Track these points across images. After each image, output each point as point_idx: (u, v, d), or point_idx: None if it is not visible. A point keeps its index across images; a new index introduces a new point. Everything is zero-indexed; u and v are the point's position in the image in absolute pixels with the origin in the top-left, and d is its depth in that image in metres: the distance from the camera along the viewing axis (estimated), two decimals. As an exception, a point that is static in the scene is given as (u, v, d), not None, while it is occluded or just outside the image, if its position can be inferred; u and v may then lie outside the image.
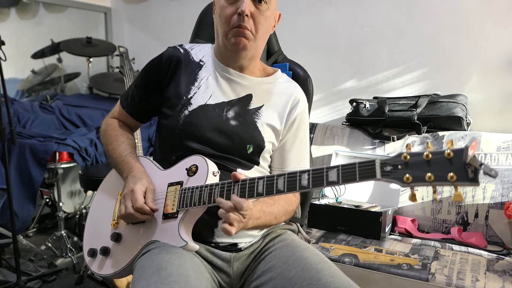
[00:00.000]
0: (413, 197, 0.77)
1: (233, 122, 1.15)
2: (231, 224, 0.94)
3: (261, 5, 1.10)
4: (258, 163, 1.18)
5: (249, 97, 1.18)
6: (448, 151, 0.73)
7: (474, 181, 0.70)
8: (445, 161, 0.73)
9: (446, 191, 1.87)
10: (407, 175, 0.76)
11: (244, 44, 1.11)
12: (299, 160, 1.22)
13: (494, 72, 2.10)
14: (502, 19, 2.06)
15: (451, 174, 0.72)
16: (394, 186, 0.90)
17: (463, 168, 0.71)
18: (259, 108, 1.17)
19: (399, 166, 0.77)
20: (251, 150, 1.15)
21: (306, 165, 1.24)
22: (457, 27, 2.17)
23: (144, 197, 1.07)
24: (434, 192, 0.76)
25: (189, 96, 1.16)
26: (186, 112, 1.15)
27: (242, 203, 0.94)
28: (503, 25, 2.06)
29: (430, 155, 0.74)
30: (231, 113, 1.15)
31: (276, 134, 1.18)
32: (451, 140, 0.76)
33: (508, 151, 1.82)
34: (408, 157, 0.76)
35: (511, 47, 2.05)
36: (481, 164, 0.69)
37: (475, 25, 2.13)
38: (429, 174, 0.74)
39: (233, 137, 1.14)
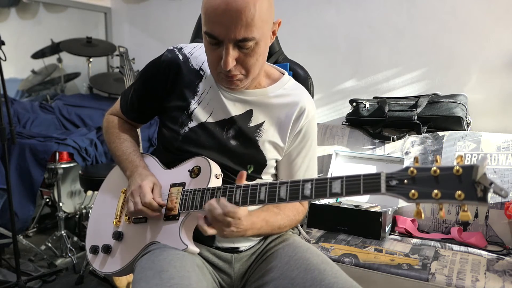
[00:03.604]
0: (418, 214, 0.74)
1: (233, 142, 1.12)
2: (210, 226, 0.96)
3: (247, 47, 0.97)
4: (260, 178, 1.15)
5: (249, 113, 1.12)
6: (457, 167, 0.69)
7: (483, 200, 0.67)
8: (453, 177, 0.70)
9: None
10: (413, 191, 0.73)
11: (237, 85, 1.05)
12: (304, 170, 1.18)
13: (494, 72, 2.10)
14: (502, 19, 2.06)
15: (459, 192, 0.69)
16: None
17: (472, 186, 0.68)
18: (261, 124, 1.12)
19: (405, 181, 0.74)
20: (251, 169, 1.13)
21: (312, 175, 1.20)
22: (457, 27, 2.17)
23: (152, 193, 1.07)
24: (441, 209, 0.73)
25: (189, 111, 1.13)
26: (186, 128, 1.12)
27: (234, 209, 0.93)
28: (503, 25, 2.06)
29: (438, 171, 0.71)
30: (231, 132, 1.12)
31: (279, 151, 1.15)
32: (461, 155, 0.72)
33: (508, 151, 1.82)
34: (415, 171, 0.73)
35: (511, 47, 2.06)
36: (491, 183, 0.66)
37: (475, 25, 2.13)
38: (436, 191, 0.71)
39: (233, 158, 1.11)
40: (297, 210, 1.15)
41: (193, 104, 1.13)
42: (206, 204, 0.96)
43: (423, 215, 0.74)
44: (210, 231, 0.96)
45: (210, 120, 1.12)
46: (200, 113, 1.12)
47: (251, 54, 0.99)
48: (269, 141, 1.13)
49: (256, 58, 1.01)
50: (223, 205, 0.93)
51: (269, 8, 0.99)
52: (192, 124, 1.12)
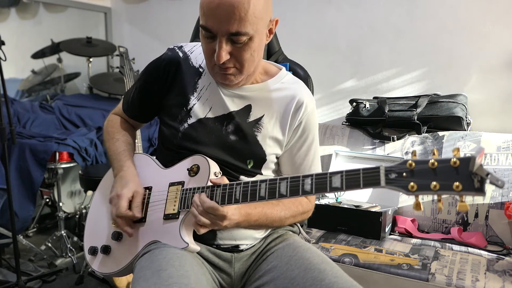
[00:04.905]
0: (417, 206, 0.75)
1: (232, 137, 1.12)
2: (202, 226, 0.98)
3: (240, 41, 0.98)
4: (261, 173, 1.16)
5: (248, 108, 1.13)
6: (454, 159, 0.71)
7: (480, 191, 0.69)
8: (451, 169, 0.71)
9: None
10: (412, 183, 0.74)
11: (230, 79, 1.06)
12: (309, 165, 1.18)
13: (494, 72, 2.11)
14: (502, 19, 2.06)
15: (457, 183, 0.70)
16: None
17: (469, 178, 0.69)
18: (260, 119, 1.13)
19: (404, 174, 0.75)
20: (251, 164, 1.13)
21: (317, 169, 1.20)
22: (457, 27, 2.17)
23: (131, 202, 1.08)
24: (439, 201, 0.74)
25: (188, 108, 1.13)
26: (186, 125, 1.13)
27: (216, 208, 0.95)
28: (503, 25, 2.06)
29: (436, 163, 0.73)
30: (230, 127, 1.12)
31: (279, 145, 1.15)
32: (458, 148, 0.73)
33: (508, 151, 1.82)
34: (414, 164, 0.75)
35: (511, 47, 2.06)
36: (488, 174, 0.68)
37: (475, 25, 2.13)
38: (434, 183, 0.72)
39: (232, 153, 1.12)
40: (300, 202, 1.14)
41: (193, 100, 1.14)
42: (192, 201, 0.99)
43: (422, 207, 0.75)
44: (202, 230, 0.99)
45: (210, 115, 1.13)
46: (199, 109, 1.13)
47: (245, 49, 1.00)
48: (269, 135, 1.13)
49: (250, 53, 1.01)
50: (202, 201, 0.97)
51: (265, 5, 0.99)
52: (191, 121, 1.13)
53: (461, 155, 0.72)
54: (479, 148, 0.70)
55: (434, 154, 0.75)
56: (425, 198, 1.90)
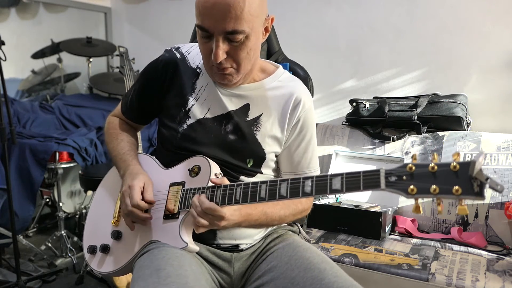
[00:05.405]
0: (417, 209, 0.76)
1: (231, 137, 1.12)
2: (201, 225, 0.98)
3: (237, 40, 0.98)
4: (261, 172, 1.16)
5: (246, 107, 1.13)
6: (454, 163, 0.71)
7: (480, 195, 0.69)
8: (450, 173, 0.72)
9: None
10: (412, 186, 0.75)
11: (228, 79, 1.06)
12: (307, 162, 1.18)
13: (494, 72, 2.11)
14: (502, 19, 2.06)
15: (456, 187, 0.70)
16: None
17: (469, 182, 0.70)
18: (258, 117, 1.13)
19: (404, 177, 0.76)
20: (251, 163, 1.13)
21: (316, 167, 1.21)
22: (457, 27, 2.17)
23: (143, 192, 1.08)
24: (439, 204, 0.74)
25: (187, 108, 1.13)
26: (184, 126, 1.13)
27: (214, 209, 0.95)
28: (503, 25, 2.06)
29: (436, 167, 0.73)
30: (229, 127, 1.12)
31: (278, 143, 1.15)
32: (458, 152, 0.74)
33: (508, 151, 1.82)
34: (414, 168, 0.75)
35: (511, 47, 2.06)
36: (487, 178, 0.68)
37: (475, 25, 2.13)
38: (434, 186, 0.72)
39: (232, 152, 1.12)
40: (299, 200, 1.14)
41: (191, 101, 1.14)
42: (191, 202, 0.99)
43: (421, 210, 0.76)
44: (201, 230, 0.99)
45: (208, 115, 1.13)
46: (198, 110, 1.13)
47: (242, 48, 1.00)
48: (268, 134, 1.13)
49: (247, 51, 1.02)
50: (201, 202, 0.96)
51: (261, 3, 1.00)
52: (190, 121, 1.13)
53: (461, 156, 0.72)
54: (479, 153, 0.71)
55: (434, 158, 0.76)
56: (425, 199, 1.90)
